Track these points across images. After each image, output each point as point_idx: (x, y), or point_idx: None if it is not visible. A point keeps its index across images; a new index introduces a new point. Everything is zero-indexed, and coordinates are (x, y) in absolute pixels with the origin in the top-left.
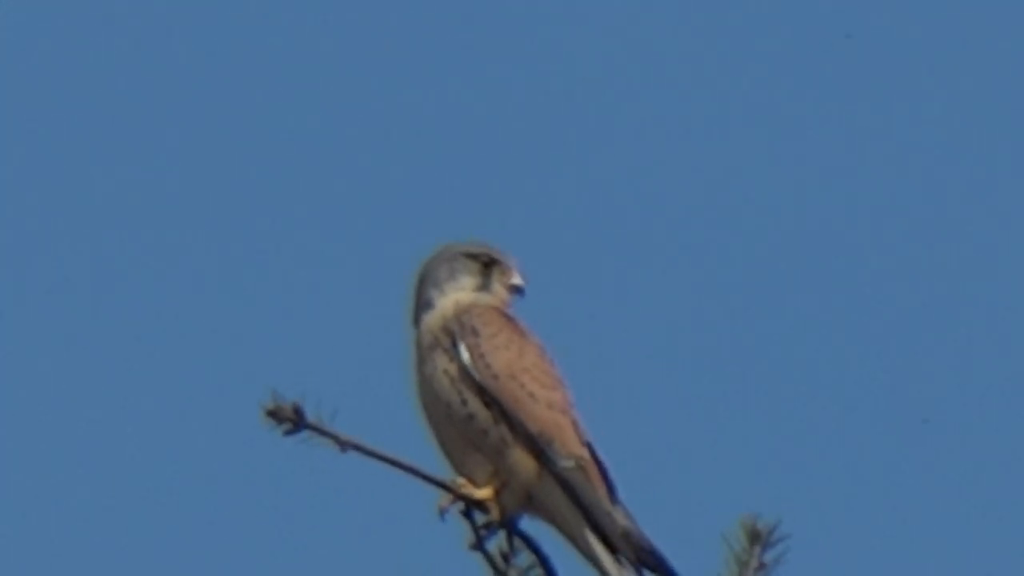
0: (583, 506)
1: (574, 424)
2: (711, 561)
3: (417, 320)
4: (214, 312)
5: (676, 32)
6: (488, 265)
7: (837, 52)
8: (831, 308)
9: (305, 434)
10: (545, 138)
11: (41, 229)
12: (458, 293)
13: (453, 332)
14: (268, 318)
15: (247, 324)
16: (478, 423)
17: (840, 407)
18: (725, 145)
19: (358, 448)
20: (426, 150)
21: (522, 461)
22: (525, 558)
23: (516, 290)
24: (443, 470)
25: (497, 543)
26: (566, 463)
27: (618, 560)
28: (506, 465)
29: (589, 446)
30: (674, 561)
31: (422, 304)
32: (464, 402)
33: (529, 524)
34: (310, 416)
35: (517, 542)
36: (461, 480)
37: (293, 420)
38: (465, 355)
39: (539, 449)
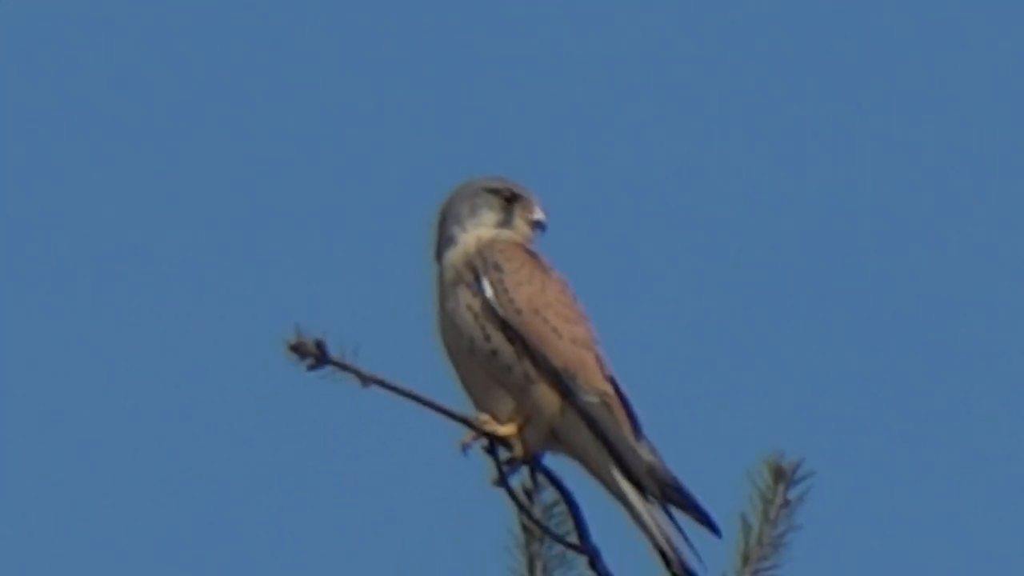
0: (607, 441)
1: (598, 359)
2: (735, 498)
3: (439, 256)
4: (238, 248)
5: None
6: (510, 200)
7: (837, 50)
8: (858, 240)
9: (328, 369)
10: (566, 77)
11: (64, 172)
12: (480, 229)
13: (476, 267)
14: (291, 254)
15: (270, 260)
16: (501, 359)
17: (866, 343)
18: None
19: (380, 383)
20: (448, 85)
21: (546, 397)
22: (549, 494)
23: (538, 225)
24: (465, 407)
25: (520, 479)
26: (590, 398)
27: (643, 495)
28: (530, 401)
29: (613, 381)
30: (699, 497)
31: (444, 240)
32: (487, 337)
33: (553, 460)
34: (333, 351)
35: (540, 478)
36: (484, 416)
37: (316, 355)
38: (488, 290)
39: (563, 384)
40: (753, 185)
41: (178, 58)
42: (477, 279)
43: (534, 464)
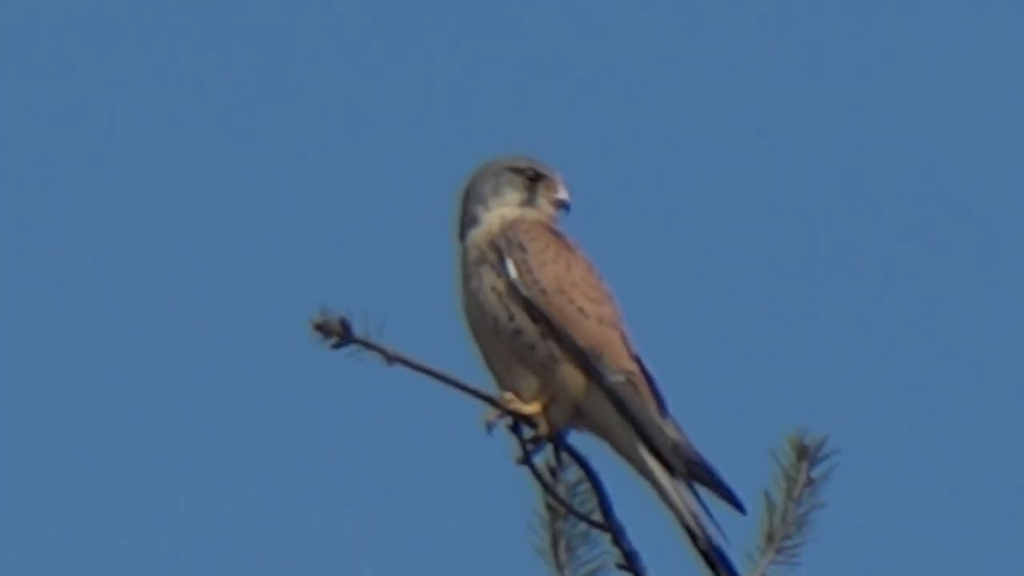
0: (633, 419)
1: (623, 338)
2: (760, 476)
3: (463, 235)
4: (265, 228)
5: None
6: (533, 180)
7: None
8: (882, 224)
9: (352, 348)
10: (588, 59)
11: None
12: (503, 208)
13: (500, 247)
14: (317, 233)
15: (296, 239)
16: (526, 338)
17: (891, 319)
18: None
19: (405, 362)
20: (471, 66)
21: (571, 376)
22: (573, 473)
23: (562, 205)
24: (489, 385)
25: (544, 458)
26: (616, 377)
27: (670, 472)
28: (555, 380)
29: (638, 360)
30: (724, 474)
31: (467, 219)
32: (511, 317)
33: (577, 439)
34: (357, 330)
35: (564, 457)
36: (508, 395)
37: (340, 334)
38: (512, 270)
39: (588, 363)
40: (772, 164)
41: (194, 42)
42: (501, 259)
43: (558, 443)
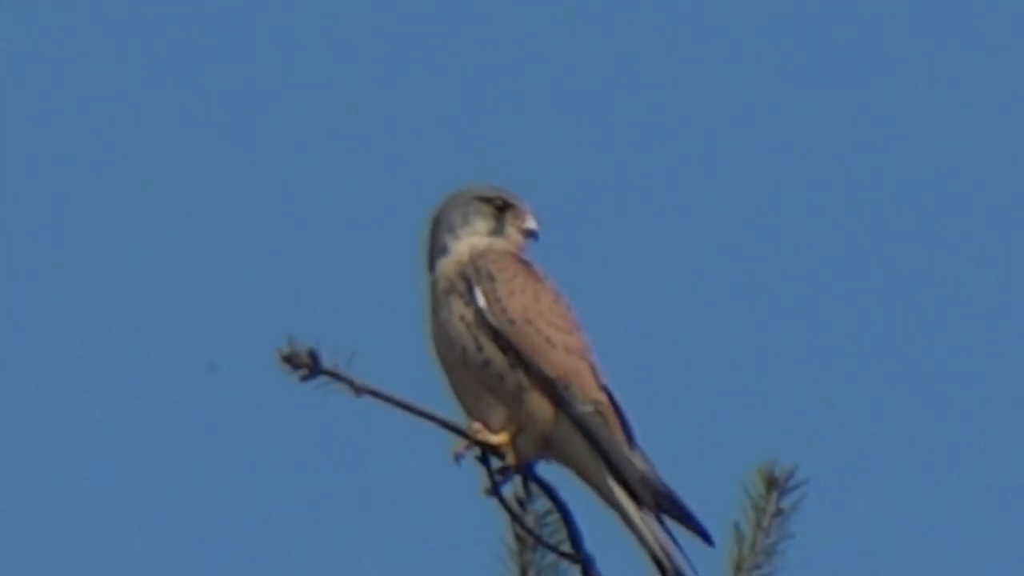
0: (602, 450)
1: (592, 368)
2: (729, 506)
3: (432, 265)
4: (231, 259)
5: None
6: (502, 209)
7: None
8: (850, 243)
9: (321, 379)
10: (556, 82)
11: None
12: (472, 238)
13: (469, 277)
14: (284, 264)
15: (263, 270)
16: (494, 368)
17: (859, 352)
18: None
19: (374, 393)
20: (438, 96)
21: (539, 406)
22: (541, 503)
23: (530, 234)
24: (458, 416)
25: (513, 488)
26: (584, 407)
27: (638, 504)
28: (523, 410)
29: (607, 390)
30: (692, 506)
31: (437, 249)
32: (480, 347)
33: (546, 470)
34: (326, 362)
35: (533, 487)
36: (476, 425)
37: (309, 366)
38: (481, 300)
39: (556, 394)
40: (740, 196)
41: (163, 60)
42: (470, 289)
43: (527, 473)
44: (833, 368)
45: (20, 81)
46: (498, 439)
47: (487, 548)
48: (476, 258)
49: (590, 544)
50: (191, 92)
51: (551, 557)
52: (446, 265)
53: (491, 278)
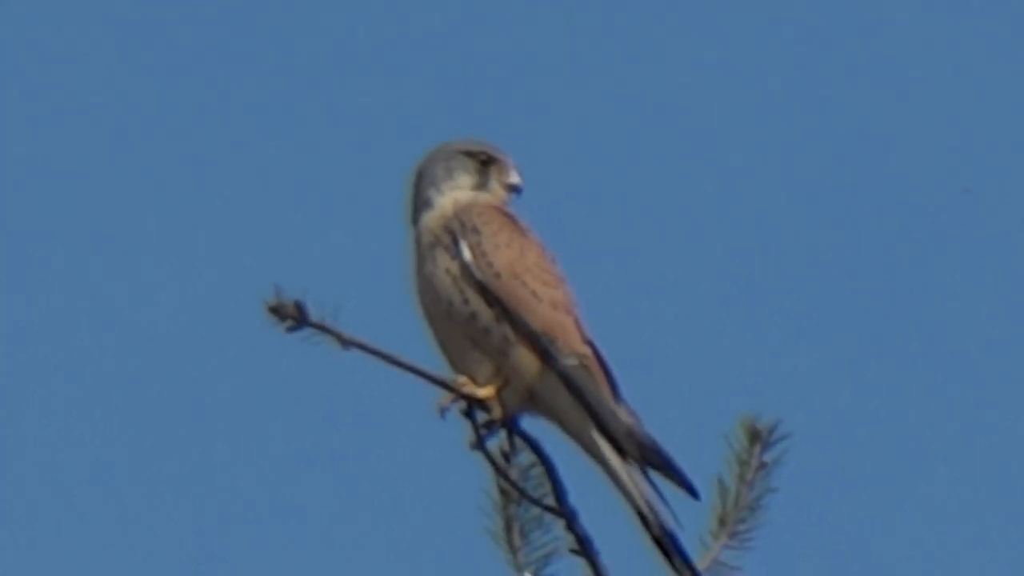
0: (586, 404)
1: (577, 322)
2: (713, 460)
3: (415, 219)
4: (219, 211)
5: None
6: (485, 163)
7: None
8: (832, 203)
9: (307, 331)
10: (540, 40)
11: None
12: (456, 192)
13: (454, 231)
14: (271, 217)
15: (251, 222)
16: (480, 322)
17: (841, 305)
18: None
19: (360, 346)
20: (423, 51)
21: (525, 359)
22: (526, 457)
23: (514, 189)
24: (443, 369)
25: (498, 442)
26: (569, 361)
27: (623, 457)
28: (508, 364)
29: (592, 344)
30: (677, 459)
31: (420, 203)
32: (466, 301)
33: (530, 423)
34: (312, 314)
35: (518, 441)
36: (462, 379)
37: (295, 317)
38: (467, 254)
39: (542, 347)
40: (722, 153)
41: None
42: (455, 242)
43: (512, 427)
44: (816, 321)
45: None
46: (484, 393)
47: (472, 501)
48: (461, 212)
49: (574, 498)
50: (158, 49)
51: (535, 510)
52: (430, 219)
53: (476, 232)
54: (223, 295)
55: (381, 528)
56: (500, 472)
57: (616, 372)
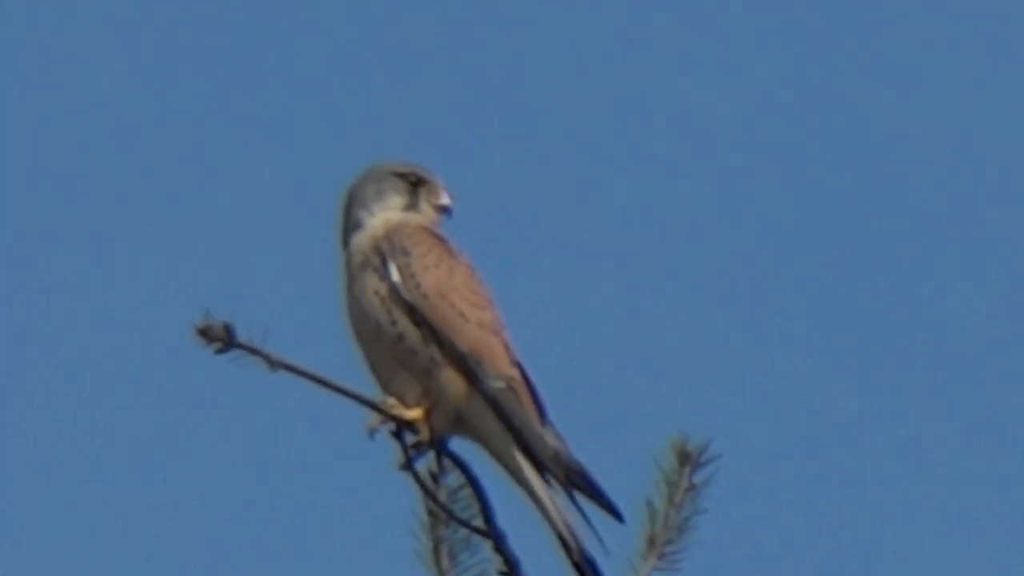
0: (513, 426)
1: (504, 344)
2: (641, 482)
3: (346, 241)
4: (148, 232)
5: None
6: (416, 184)
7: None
8: (758, 210)
9: (236, 353)
10: (472, 57)
11: None
12: (387, 212)
13: (383, 251)
14: (200, 238)
15: (179, 244)
16: (408, 343)
17: (769, 327)
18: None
19: (288, 367)
20: (355, 72)
21: (452, 381)
22: (454, 479)
23: (444, 210)
24: (373, 390)
25: (427, 463)
26: (496, 383)
27: (547, 481)
28: (436, 385)
29: (519, 366)
30: (604, 482)
31: (351, 224)
32: (394, 322)
33: (459, 445)
34: (241, 335)
35: (447, 463)
36: (391, 400)
37: (224, 339)
38: (395, 274)
39: (469, 369)
40: (643, 169)
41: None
42: (384, 263)
43: (440, 448)
44: (746, 341)
45: None
46: (412, 414)
47: (400, 522)
48: (391, 233)
49: (502, 520)
50: (102, 63)
51: (463, 532)
52: (360, 240)
53: (406, 252)
54: (151, 317)
55: (310, 549)
56: (429, 493)
57: (544, 395)
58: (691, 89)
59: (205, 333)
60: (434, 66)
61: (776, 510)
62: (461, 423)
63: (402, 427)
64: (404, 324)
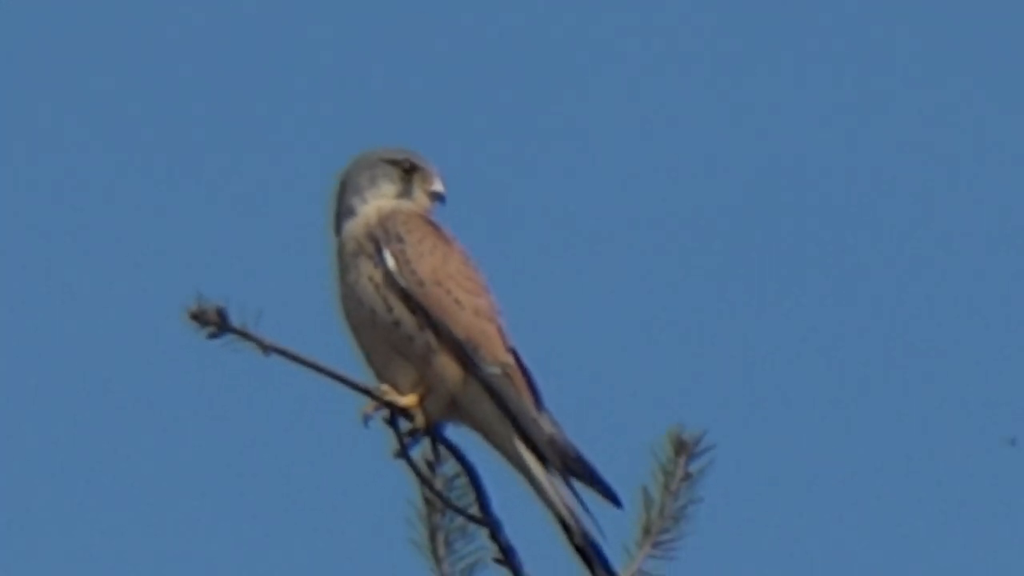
0: (509, 413)
1: (500, 331)
2: (637, 470)
3: (339, 228)
4: (141, 216)
5: None
6: (409, 171)
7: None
8: (751, 214)
9: (229, 338)
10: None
11: None
12: (379, 200)
13: (377, 239)
14: (194, 223)
15: (173, 227)
16: (403, 329)
17: (767, 316)
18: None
19: (282, 353)
20: (348, 58)
21: (448, 368)
22: (450, 466)
23: (437, 197)
24: (367, 377)
25: (422, 451)
26: (492, 369)
27: (544, 467)
28: (431, 372)
29: (515, 353)
30: (600, 469)
31: (344, 211)
32: (389, 309)
33: (454, 432)
34: (234, 320)
35: (442, 450)
36: (385, 387)
37: (217, 323)
38: (390, 261)
39: (465, 355)
40: (639, 157)
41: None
42: (379, 250)
43: (435, 435)
44: (742, 332)
45: None
46: (407, 401)
47: (396, 510)
48: (384, 220)
49: (498, 507)
50: (97, 46)
51: (459, 520)
52: (353, 227)
53: (400, 239)
54: (144, 301)
55: (304, 537)
56: (424, 481)
57: (539, 381)
58: (686, 81)
59: (198, 317)
60: (427, 53)
61: (771, 500)
62: (456, 409)
63: (397, 414)
64: (400, 311)
